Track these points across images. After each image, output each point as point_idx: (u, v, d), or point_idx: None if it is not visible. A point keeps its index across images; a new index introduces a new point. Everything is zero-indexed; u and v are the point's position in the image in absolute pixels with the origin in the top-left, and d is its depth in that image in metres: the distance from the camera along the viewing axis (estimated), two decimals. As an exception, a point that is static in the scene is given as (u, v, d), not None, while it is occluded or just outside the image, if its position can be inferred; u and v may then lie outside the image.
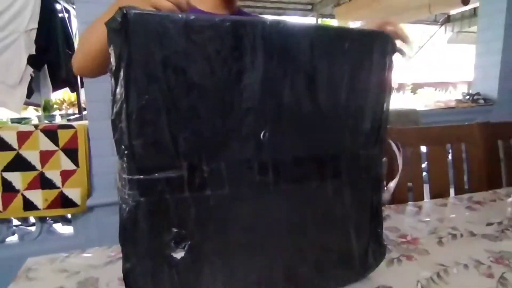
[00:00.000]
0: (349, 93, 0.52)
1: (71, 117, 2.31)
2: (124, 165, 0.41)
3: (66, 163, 1.71)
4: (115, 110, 0.40)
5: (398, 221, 0.88)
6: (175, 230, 0.44)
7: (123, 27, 0.37)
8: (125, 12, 0.37)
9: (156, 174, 0.42)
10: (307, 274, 0.55)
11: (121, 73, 0.38)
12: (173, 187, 0.43)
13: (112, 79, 0.39)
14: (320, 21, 6.02)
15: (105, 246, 0.74)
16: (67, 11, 2.22)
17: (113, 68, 0.39)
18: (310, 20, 6.10)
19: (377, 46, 0.52)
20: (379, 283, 0.59)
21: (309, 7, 5.64)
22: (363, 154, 0.56)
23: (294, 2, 5.47)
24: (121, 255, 0.62)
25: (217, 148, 0.44)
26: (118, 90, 0.39)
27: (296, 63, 0.47)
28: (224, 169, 0.45)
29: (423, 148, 1.23)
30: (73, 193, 1.73)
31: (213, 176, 0.45)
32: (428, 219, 0.90)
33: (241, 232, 0.48)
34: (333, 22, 6.46)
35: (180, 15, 0.40)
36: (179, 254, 0.45)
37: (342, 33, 0.51)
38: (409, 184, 1.16)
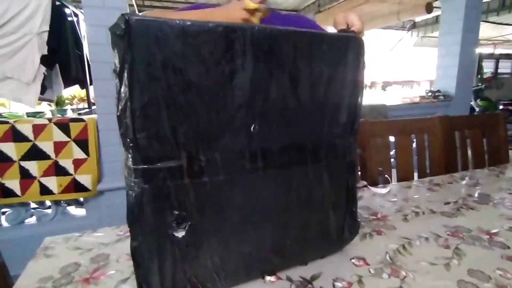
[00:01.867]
0: (327, 90, 0.52)
1: (82, 111, 2.26)
2: (130, 156, 0.40)
3: (78, 153, 1.68)
4: (120, 107, 0.39)
5: (370, 201, 0.90)
6: (176, 212, 0.44)
7: (126, 32, 0.36)
8: (127, 18, 0.36)
9: (158, 164, 0.41)
10: (292, 246, 0.55)
11: (125, 74, 0.37)
12: (174, 174, 0.43)
13: (117, 79, 0.38)
14: (303, 26, 5.97)
15: (114, 226, 0.74)
16: (76, 15, 2.15)
17: (118, 69, 0.38)
18: (294, 25, 6.04)
19: (351, 48, 0.52)
20: (354, 254, 0.60)
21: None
22: (340, 143, 0.56)
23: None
24: (129, 234, 0.62)
25: (213, 139, 0.44)
26: (122, 89, 0.38)
27: (281, 63, 0.46)
28: (219, 158, 0.45)
29: (391, 138, 1.24)
30: (85, 179, 1.70)
31: (209, 165, 0.45)
32: (395, 199, 0.91)
33: (234, 212, 0.48)
34: (315, 27, 6.44)
35: (177, 21, 0.39)
36: (180, 233, 0.44)
37: (321, 37, 0.50)
38: (380, 169, 1.18)
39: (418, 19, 5.87)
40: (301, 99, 0.49)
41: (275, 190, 0.51)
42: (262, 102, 0.46)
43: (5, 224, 1.74)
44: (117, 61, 0.38)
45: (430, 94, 3.14)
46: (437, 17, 5.39)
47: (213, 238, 0.48)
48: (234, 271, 0.51)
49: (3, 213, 1.76)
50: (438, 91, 3.10)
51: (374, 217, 0.78)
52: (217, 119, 0.43)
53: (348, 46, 0.51)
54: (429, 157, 1.32)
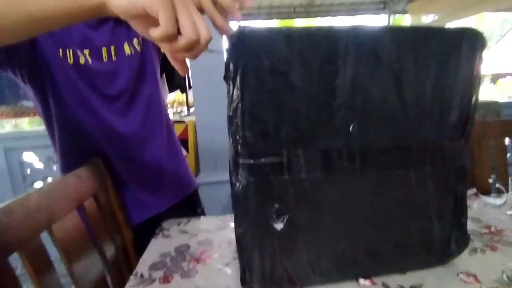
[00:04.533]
0: (435, 88, 0.48)
1: (183, 114, 2.56)
2: (239, 152, 0.44)
3: (180, 150, 1.91)
4: (232, 108, 0.44)
5: (481, 212, 0.78)
6: (276, 205, 0.46)
7: (239, 42, 0.40)
8: (242, 30, 0.40)
9: (262, 159, 0.45)
10: (388, 252, 0.53)
11: (238, 79, 0.42)
12: (275, 170, 0.45)
13: (230, 84, 0.43)
14: (392, 18, 5.51)
15: (213, 216, 0.82)
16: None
17: (231, 75, 0.42)
18: (382, 18, 5.62)
19: (465, 43, 0.47)
20: (462, 269, 0.54)
21: (381, 5, 5.19)
22: (449, 146, 0.51)
23: (366, 2, 5.09)
24: (227, 223, 0.68)
25: (312, 138, 0.45)
26: (234, 92, 0.42)
27: (384, 63, 0.45)
28: (318, 157, 0.46)
29: (507, 141, 1.06)
30: (184, 173, 1.92)
31: (308, 162, 0.46)
32: (514, 211, 0.78)
33: (330, 211, 0.49)
34: (406, 18, 5.84)
35: (283, 28, 0.42)
36: (279, 225, 0.47)
37: (429, 32, 0.47)
38: (493, 175, 1.01)
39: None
40: (405, 99, 0.46)
41: (373, 192, 0.50)
42: (363, 102, 0.45)
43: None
44: (230, 68, 0.42)
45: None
46: None
47: (309, 234, 0.49)
48: (328, 269, 0.51)
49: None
50: None
51: (487, 231, 0.68)
52: (317, 118, 0.45)
53: (462, 40, 0.46)
54: None
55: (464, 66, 0.47)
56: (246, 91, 0.42)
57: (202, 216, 0.86)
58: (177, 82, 2.39)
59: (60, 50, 0.64)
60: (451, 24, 4.01)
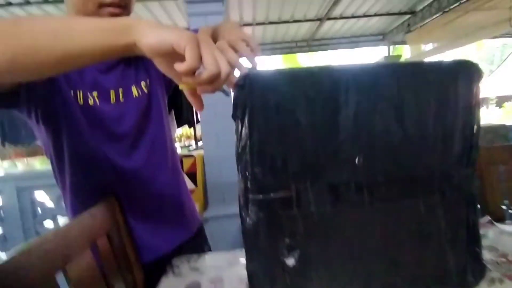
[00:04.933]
0: (436, 119, 0.49)
1: (190, 148, 2.61)
2: (248, 187, 0.46)
3: (189, 184, 1.92)
4: (240, 145, 0.46)
5: (497, 241, 0.76)
6: (287, 240, 0.47)
7: (246, 84, 0.43)
8: (247, 73, 0.43)
9: (271, 194, 0.46)
10: (403, 286, 0.51)
11: (246, 118, 0.44)
12: (284, 204, 0.46)
13: (238, 122, 0.45)
14: (391, 48, 5.69)
15: (223, 251, 0.81)
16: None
17: (239, 115, 0.45)
18: (382, 49, 5.80)
19: (461, 75, 0.49)
20: (482, 301, 0.52)
21: (380, 37, 5.39)
22: (455, 174, 0.51)
23: (365, 35, 5.30)
24: (237, 259, 0.68)
25: (320, 172, 0.47)
26: (243, 130, 0.45)
27: (384, 97, 0.47)
28: (325, 190, 0.47)
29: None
30: (193, 207, 1.92)
31: (316, 196, 0.47)
32: (532, 239, 0.75)
33: (342, 244, 0.49)
34: (405, 48, 6.03)
35: (287, 69, 0.45)
36: (290, 261, 0.47)
37: (425, 66, 0.50)
38: (506, 201, 0.99)
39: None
40: (407, 131, 0.48)
41: (383, 224, 0.50)
42: (366, 135, 0.47)
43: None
44: (238, 107, 0.45)
45: None
46: None
47: (321, 269, 0.48)
48: (343, 305, 0.50)
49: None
50: None
51: (504, 260, 0.66)
52: (323, 153, 0.46)
53: (458, 72, 0.49)
54: None
55: (462, 97, 0.49)
56: (254, 129, 0.44)
57: (212, 252, 0.85)
58: (185, 117, 2.47)
59: (72, 91, 0.67)
60: (451, 52, 4.12)
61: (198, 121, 2.69)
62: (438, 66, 0.49)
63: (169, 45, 0.37)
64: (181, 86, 0.42)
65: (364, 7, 4.02)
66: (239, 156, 0.46)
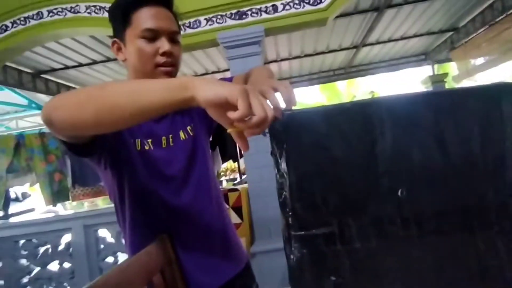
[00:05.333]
0: (483, 146, 0.46)
1: (235, 182, 2.67)
2: (289, 223, 0.47)
3: (235, 218, 1.94)
4: (279, 182, 0.47)
5: None
6: (333, 278, 0.46)
7: (281, 124, 0.46)
8: (283, 114, 0.46)
9: (313, 230, 0.46)
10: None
11: (283, 155, 0.46)
12: (327, 240, 0.46)
13: (277, 159, 0.47)
14: (436, 67, 5.42)
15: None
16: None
17: (277, 152, 0.47)
18: (425, 68, 5.56)
19: (504, 99, 0.46)
20: None
21: (422, 56, 5.19)
22: None
23: (406, 56, 5.15)
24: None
25: (361, 207, 0.46)
26: (281, 167, 0.47)
27: (422, 127, 0.46)
28: (369, 225, 0.46)
29: None
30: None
31: (360, 231, 0.46)
32: None
33: (392, 282, 0.46)
34: (451, 65, 5.70)
35: (320, 108, 0.47)
36: (338, 299, 0.45)
37: (464, 92, 0.48)
38: None
39: None
40: (452, 160, 0.46)
41: (435, 259, 0.46)
42: (407, 166, 0.46)
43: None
44: (275, 146, 0.47)
45: None
46: None
47: (373, 309, 0.46)
48: None
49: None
50: None
51: None
52: (363, 187, 0.46)
53: (501, 96, 0.46)
54: None
55: (509, 121, 0.46)
56: (292, 166, 0.46)
57: (259, 288, 0.84)
58: (229, 153, 2.56)
59: (132, 140, 0.77)
60: (502, 65, 3.81)
61: (241, 156, 2.78)
62: (477, 92, 0.47)
63: (223, 97, 0.43)
64: (229, 130, 0.47)
65: (401, 29, 3.96)
66: (279, 192, 0.48)
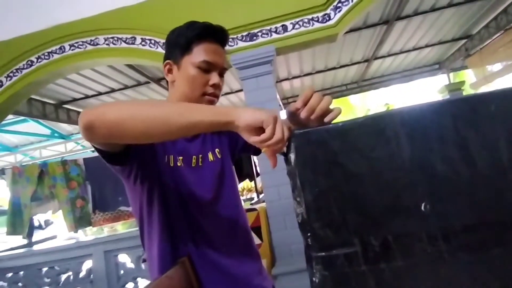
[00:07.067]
0: (511, 152, 0.44)
1: (253, 202, 2.65)
2: (310, 244, 0.45)
3: (255, 239, 1.91)
4: (296, 201, 0.46)
5: None
6: (358, 301, 0.43)
7: (293, 144, 0.46)
8: (294, 133, 0.46)
9: (334, 251, 0.44)
10: None
11: (297, 174, 0.46)
12: (350, 261, 0.44)
13: (291, 178, 0.47)
14: (452, 75, 5.32)
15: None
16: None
17: (291, 171, 0.46)
18: (439, 78, 5.47)
19: None
20: None
21: (436, 66, 5.12)
22: None
23: (419, 66, 5.09)
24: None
25: (382, 223, 0.44)
26: (297, 186, 0.46)
27: (441, 136, 0.45)
28: (393, 242, 0.44)
29: None
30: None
31: (384, 249, 0.44)
32: None
33: (423, 304, 0.43)
34: (467, 73, 5.58)
35: (331, 125, 0.46)
36: (366, 325, 0.43)
37: (484, 98, 0.46)
38: None
39: None
40: (478, 169, 0.43)
41: (469, 277, 0.43)
42: (428, 178, 0.44)
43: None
44: (289, 165, 0.47)
45: None
46: None
47: (404, 334, 0.43)
48: None
49: None
50: None
51: None
52: (382, 203, 0.44)
53: None
54: None
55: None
56: (307, 185, 0.45)
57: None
58: (246, 172, 2.56)
59: (166, 156, 0.80)
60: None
61: (258, 175, 2.76)
62: (498, 95, 0.45)
63: (260, 122, 0.51)
64: (263, 150, 0.54)
65: (412, 40, 3.95)
66: (296, 213, 0.47)
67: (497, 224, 0.44)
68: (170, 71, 0.83)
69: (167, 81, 0.85)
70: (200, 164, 0.84)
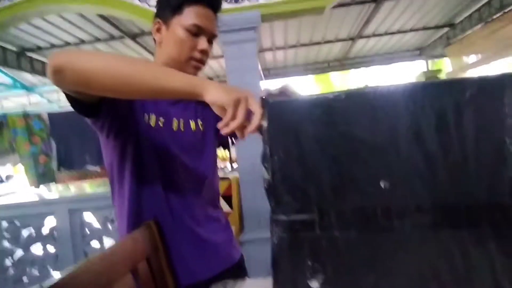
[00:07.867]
0: (478, 144, 0.45)
1: (226, 170, 2.68)
2: (273, 208, 0.48)
3: (225, 207, 1.96)
4: (265, 166, 0.48)
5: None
6: (309, 262, 0.47)
7: (267, 110, 0.47)
8: (267, 103, 0.46)
9: (293, 216, 0.47)
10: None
11: (267, 141, 0.47)
12: (307, 226, 0.47)
13: (265, 147, 0.48)
14: (430, 62, 5.47)
15: (259, 278, 0.80)
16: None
17: (266, 139, 0.48)
18: (419, 63, 5.61)
19: (508, 91, 0.44)
20: None
21: (417, 52, 5.22)
22: (510, 203, 0.45)
23: (401, 50, 5.17)
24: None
25: (341, 196, 0.47)
26: (266, 151, 0.48)
27: (409, 120, 0.46)
28: (349, 214, 0.47)
29: None
30: (228, 229, 1.95)
31: (339, 219, 0.47)
32: None
33: (369, 274, 0.47)
34: (446, 61, 5.75)
35: (304, 97, 0.47)
36: (314, 284, 0.47)
37: (460, 84, 0.46)
38: None
39: None
40: (438, 155, 0.46)
41: (417, 254, 0.47)
42: (388, 159, 0.46)
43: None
44: (264, 133, 0.48)
45: None
46: None
47: (349, 297, 0.47)
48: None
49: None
50: None
51: None
52: (343, 177, 0.46)
53: (504, 88, 0.44)
54: None
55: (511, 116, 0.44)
56: (275, 152, 0.46)
57: (248, 279, 0.85)
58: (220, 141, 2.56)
59: (144, 114, 0.78)
60: (496, 63, 3.87)
61: (233, 143, 2.78)
62: (476, 82, 0.46)
63: (221, 103, 0.55)
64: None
65: (398, 23, 3.96)
66: (264, 179, 0.49)
67: (448, 207, 0.46)
68: (158, 30, 0.80)
69: (154, 40, 0.82)
70: (182, 129, 0.84)
